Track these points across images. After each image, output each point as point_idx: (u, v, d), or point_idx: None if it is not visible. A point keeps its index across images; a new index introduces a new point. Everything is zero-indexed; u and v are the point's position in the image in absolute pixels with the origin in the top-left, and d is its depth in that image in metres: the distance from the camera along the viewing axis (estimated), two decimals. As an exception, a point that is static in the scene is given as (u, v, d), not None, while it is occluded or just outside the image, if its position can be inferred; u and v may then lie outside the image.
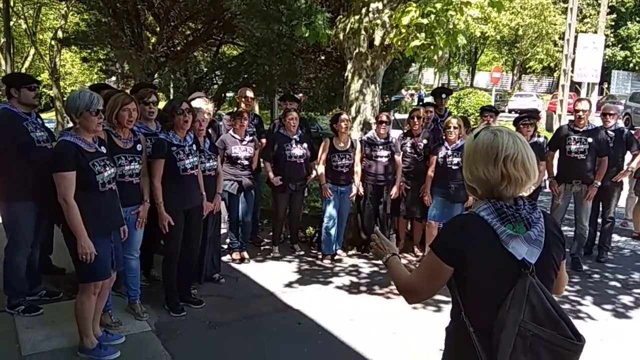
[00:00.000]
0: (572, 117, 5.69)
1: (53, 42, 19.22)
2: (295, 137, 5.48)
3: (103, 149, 3.27)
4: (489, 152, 1.65)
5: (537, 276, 1.58)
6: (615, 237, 6.32)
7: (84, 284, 3.24)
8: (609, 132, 5.69)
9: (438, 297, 4.50)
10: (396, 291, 4.71)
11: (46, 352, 3.40)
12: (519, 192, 1.66)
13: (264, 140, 5.73)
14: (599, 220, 5.98)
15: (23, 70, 20.45)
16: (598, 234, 5.95)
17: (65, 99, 17.72)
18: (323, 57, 8.36)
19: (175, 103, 4.07)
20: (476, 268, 1.62)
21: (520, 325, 1.52)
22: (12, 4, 14.87)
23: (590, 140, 5.36)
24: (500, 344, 1.54)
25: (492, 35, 28.26)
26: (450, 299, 1.76)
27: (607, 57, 28.54)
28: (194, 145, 4.10)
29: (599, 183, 5.41)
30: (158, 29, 9.54)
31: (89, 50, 10.57)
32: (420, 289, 1.76)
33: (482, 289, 1.62)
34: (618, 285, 5.09)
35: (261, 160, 5.58)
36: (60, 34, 17.57)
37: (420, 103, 21.09)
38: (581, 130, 5.43)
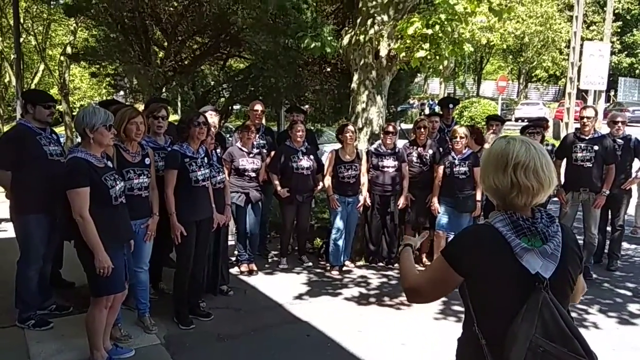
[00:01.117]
0: (579, 126, 5.68)
1: (62, 58, 19.49)
2: (302, 148, 5.51)
3: (110, 164, 3.32)
4: (500, 160, 1.64)
5: (551, 291, 1.55)
6: (625, 245, 6.27)
7: (97, 298, 3.26)
8: (617, 140, 5.67)
9: (450, 307, 4.49)
10: (406, 302, 4.72)
11: (57, 366, 3.42)
12: (534, 202, 1.63)
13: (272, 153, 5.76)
14: (609, 229, 5.94)
15: (32, 86, 20.72)
16: (607, 242, 5.91)
17: (74, 114, 17.93)
18: (329, 69, 8.41)
19: (193, 115, 4.17)
20: (489, 280, 1.60)
21: (532, 340, 1.50)
22: (22, 20, 15.11)
23: (596, 147, 5.34)
24: (510, 358, 1.52)
25: (497, 43, 28.27)
26: (461, 310, 1.75)
27: (613, 64, 28.47)
28: (205, 158, 4.15)
29: (607, 192, 5.38)
30: (166, 43, 9.64)
31: (97, 66, 10.68)
32: (424, 292, 1.76)
33: (495, 302, 1.61)
34: (628, 293, 5.04)
35: (268, 172, 5.61)
36: (69, 49, 17.82)
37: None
38: (587, 138, 5.42)
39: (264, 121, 6.39)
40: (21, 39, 13.15)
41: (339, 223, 5.48)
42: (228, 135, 8.31)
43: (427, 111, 24.39)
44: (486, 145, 5.46)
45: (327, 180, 5.52)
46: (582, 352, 1.52)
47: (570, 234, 1.70)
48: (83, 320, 3.36)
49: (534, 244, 1.58)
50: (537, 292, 1.54)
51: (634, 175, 5.81)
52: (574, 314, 4.32)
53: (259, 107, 5.89)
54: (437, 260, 1.72)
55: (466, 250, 1.65)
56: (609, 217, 5.90)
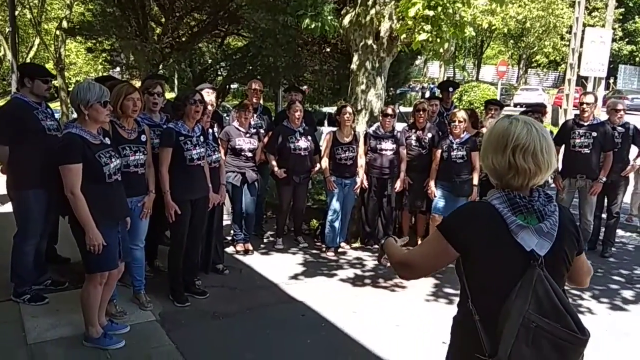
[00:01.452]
0: (577, 112, 5.66)
1: (58, 32, 19.20)
2: (299, 129, 5.47)
3: (107, 141, 3.28)
4: (500, 140, 1.64)
5: (546, 269, 1.57)
6: (619, 232, 6.30)
7: (91, 274, 3.26)
8: (618, 128, 5.65)
9: (444, 289, 4.52)
10: (400, 284, 4.75)
11: (51, 341, 3.43)
12: (530, 184, 1.64)
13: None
14: (603, 216, 5.96)
15: (28, 60, 20.45)
16: (602, 229, 5.94)
17: (70, 89, 17.74)
18: (328, 49, 8.33)
19: (189, 93, 4.10)
20: (484, 256, 1.62)
21: (525, 316, 1.52)
22: (17, -7, 14.87)
23: (594, 134, 5.34)
24: (503, 333, 1.54)
25: (499, 27, 28.06)
26: (454, 293, 1.77)
27: (613, 51, 28.31)
28: (201, 137, 4.11)
29: (604, 179, 5.39)
30: (163, 19, 9.52)
31: (93, 41, 10.56)
32: (416, 264, 1.77)
33: (490, 278, 1.62)
34: (622, 280, 5.08)
35: (265, 152, 5.58)
36: (65, 24, 17.54)
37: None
38: (586, 124, 5.41)
39: (261, 101, 6.34)
40: (16, 12, 12.96)
41: (335, 204, 5.47)
42: (225, 115, 8.25)
43: (427, 94, 24.28)
44: (483, 130, 5.44)
45: (324, 162, 5.50)
46: (574, 328, 1.53)
47: (567, 214, 1.71)
48: (78, 296, 3.36)
49: (530, 221, 1.59)
50: (531, 269, 1.56)
51: (631, 163, 5.82)
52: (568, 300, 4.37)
53: (257, 85, 5.84)
54: (433, 235, 1.73)
55: (463, 225, 1.66)
56: (605, 204, 5.92)
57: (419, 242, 5.84)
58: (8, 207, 4.04)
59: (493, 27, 27.89)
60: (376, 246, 5.76)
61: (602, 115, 6.47)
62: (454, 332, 1.79)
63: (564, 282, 1.68)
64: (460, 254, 1.65)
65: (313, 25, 5.32)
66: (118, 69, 12.32)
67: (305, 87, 9.75)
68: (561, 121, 12.33)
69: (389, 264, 1.92)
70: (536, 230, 1.59)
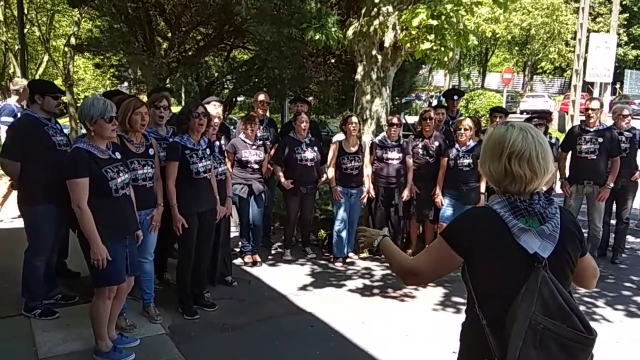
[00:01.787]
0: (584, 118, 5.65)
1: (66, 49, 19.45)
2: (305, 140, 5.50)
3: (117, 155, 3.31)
4: (496, 147, 1.67)
5: (551, 271, 1.58)
6: (629, 238, 6.25)
7: (99, 289, 3.27)
8: (624, 132, 5.63)
9: (452, 298, 4.49)
10: (409, 294, 4.73)
11: (62, 355, 3.44)
12: (527, 189, 1.65)
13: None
14: (613, 222, 5.92)
15: (37, 77, 20.71)
16: (612, 235, 5.89)
17: (78, 105, 17.92)
18: (333, 60, 8.38)
19: (192, 106, 4.13)
20: (487, 260, 1.63)
21: (532, 318, 1.52)
22: (25, 11, 15.09)
23: (601, 140, 5.32)
24: (511, 336, 1.54)
25: (503, 35, 28.11)
26: (463, 302, 1.77)
27: (619, 56, 28.27)
28: (207, 149, 4.14)
29: (612, 184, 5.36)
30: (170, 34, 9.62)
31: (101, 57, 10.68)
32: (422, 272, 1.77)
33: (494, 282, 1.63)
34: (633, 286, 5.03)
35: (271, 163, 5.60)
36: (73, 40, 17.77)
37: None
38: (592, 130, 5.39)
39: (267, 113, 6.38)
40: (25, 30, 13.15)
41: (342, 214, 5.47)
42: (232, 127, 8.30)
43: (434, 103, 24.32)
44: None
45: (330, 172, 5.52)
46: (581, 328, 1.54)
47: (568, 216, 1.72)
48: (88, 310, 3.38)
49: (532, 224, 1.61)
50: (536, 271, 1.57)
51: None
52: (579, 307, 4.33)
53: (263, 97, 5.88)
54: (437, 241, 1.75)
55: (465, 231, 1.67)
56: (613, 210, 5.88)
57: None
58: (18, 223, 4.07)
59: (497, 36, 27.97)
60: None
61: (608, 120, 6.44)
62: (463, 338, 1.80)
63: (569, 284, 1.69)
64: (463, 259, 1.67)
65: (317, 37, 5.38)
66: (126, 83, 12.45)
67: (310, 98, 9.79)
68: (568, 127, 12.30)
69: (362, 255, 1.93)
70: (538, 233, 1.60)
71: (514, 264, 1.60)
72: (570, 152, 5.54)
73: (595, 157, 5.34)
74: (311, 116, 7.12)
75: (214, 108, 4.74)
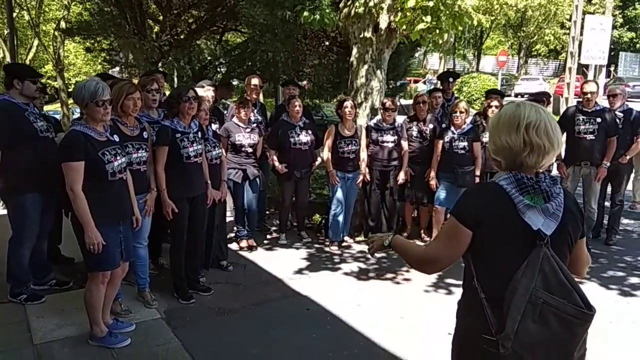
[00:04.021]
0: (580, 100, 5.63)
1: (56, 33, 19.18)
2: (299, 123, 5.46)
3: (115, 138, 3.27)
4: (512, 121, 1.68)
5: (551, 248, 1.60)
6: (623, 220, 6.28)
7: (93, 273, 3.26)
8: (617, 113, 5.63)
9: (447, 280, 4.51)
10: (404, 276, 4.75)
11: (57, 341, 3.43)
12: (543, 161, 1.67)
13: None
14: (607, 204, 5.94)
15: (27, 62, 20.45)
16: (606, 216, 5.92)
17: (70, 90, 17.75)
18: (327, 43, 8.31)
19: (181, 90, 4.06)
20: (491, 234, 1.64)
21: (532, 292, 1.54)
22: (14, -5, 14.85)
23: (599, 120, 5.33)
24: (510, 310, 1.56)
25: (486, 25, 27.86)
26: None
27: (613, 38, 28.20)
28: (199, 133, 4.09)
29: (608, 164, 5.38)
30: (161, 17, 9.49)
31: (92, 40, 10.54)
32: (440, 257, 1.76)
33: (496, 256, 1.65)
34: (626, 267, 5.07)
35: (266, 148, 5.56)
36: (63, 24, 17.51)
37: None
38: (589, 110, 5.39)
39: (261, 97, 6.31)
40: (14, 14, 12.95)
41: (338, 198, 5.46)
42: (225, 112, 8.24)
43: (427, 87, 24.22)
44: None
45: (327, 155, 5.49)
46: (580, 304, 1.56)
47: (570, 196, 1.75)
48: (82, 296, 3.36)
49: (537, 201, 1.63)
50: (538, 247, 1.59)
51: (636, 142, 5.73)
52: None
53: (256, 81, 5.81)
54: (447, 223, 1.76)
55: (472, 205, 1.69)
56: (608, 192, 5.90)
57: (422, 234, 5.84)
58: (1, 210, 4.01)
59: (482, 24, 27.73)
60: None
61: (603, 102, 6.43)
62: (460, 315, 1.81)
63: (566, 264, 1.70)
64: (472, 233, 1.67)
65: (312, 18, 5.30)
66: (117, 68, 12.30)
67: (304, 82, 9.71)
68: (562, 110, 12.30)
69: (358, 238, 1.93)
70: (542, 210, 1.62)
71: (517, 239, 1.62)
72: (566, 134, 5.53)
73: (593, 137, 5.36)
74: (305, 100, 7.06)
75: (207, 91, 4.69)
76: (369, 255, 5.30)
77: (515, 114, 1.68)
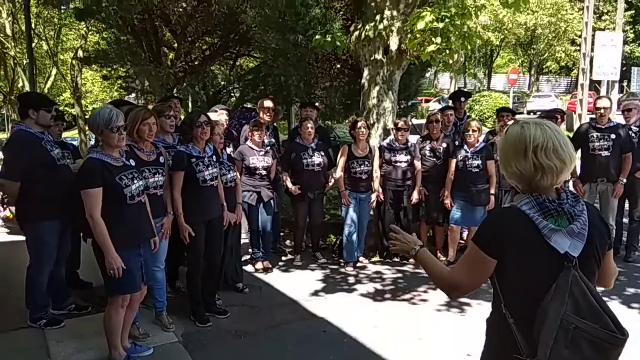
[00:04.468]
0: (593, 116, 5.62)
1: (74, 62, 19.66)
2: (312, 145, 5.51)
3: (132, 162, 3.34)
4: (518, 145, 1.65)
5: (579, 269, 1.57)
6: (642, 236, 6.17)
7: (113, 297, 3.29)
8: (632, 127, 5.61)
9: (462, 300, 4.46)
10: (421, 297, 4.70)
11: (77, 365, 3.46)
12: (559, 180, 1.64)
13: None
14: (625, 220, 5.87)
15: (45, 90, 20.94)
16: (624, 233, 5.84)
17: (87, 117, 18.09)
18: (338, 65, 8.40)
19: (194, 116, 4.14)
20: (516, 260, 1.61)
21: (563, 317, 1.51)
22: (33, 26, 15.28)
23: (613, 136, 5.31)
24: (541, 336, 1.52)
25: (495, 42, 28.00)
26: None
27: (625, 53, 28.09)
28: (213, 157, 4.16)
29: (625, 180, 5.34)
30: (176, 44, 9.70)
31: (109, 68, 10.79)
32: (462, 283, 1.75)
33: (523, 282, 1.62)
34: (648, 285, 4.98)
35: (279, 169, 5.61)
36: (80, 53, 17.97)
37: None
38: (603, 127, 5.38)
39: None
40: (33, 44, 13.31)
41: (351, 219, 5.47)
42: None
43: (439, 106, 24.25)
44: (497, 139, 5.43)
45: (339, 175, 5.51)
46: (613, 328, 1.52)
47: (594, 211, 1.71)
48: (102, 320, 3.39)
49: (561, 224, 1.59)
50: (566, 271, 1.56)
51: None
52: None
53: (269, 104, 5.88)
54: (470, 250, 1.72)
55: (495, 232, 1.66)
56: (625, 208, 5.83)
57: (438, 254, 5.80)
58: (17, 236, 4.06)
59: (492, 42, 27.79)
60: (395, 259, 5.72)
61: (617, 118, 6.40)
62: (490, 333, 1.79)
63: (595, 280, 1.67)
64: (497, 261, 1.64)
65: (323, 42, 5.39)
66: (133, 94, 12.56)
67: (317, 103, 9.80)
68: (576, 126, 12.24)
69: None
70: (568, 232, 1.58)
71: (544, 264, 1.58)
72: (580, 151, 5.50)
73: (609, 154, 5.33)
74: (318, 121, 7.12)
75: (220, 115, 4.77)
76: (384, 276, 5.32)
77: (521, 137, 1.64)
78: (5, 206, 7.00)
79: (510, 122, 5.44)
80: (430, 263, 1.87)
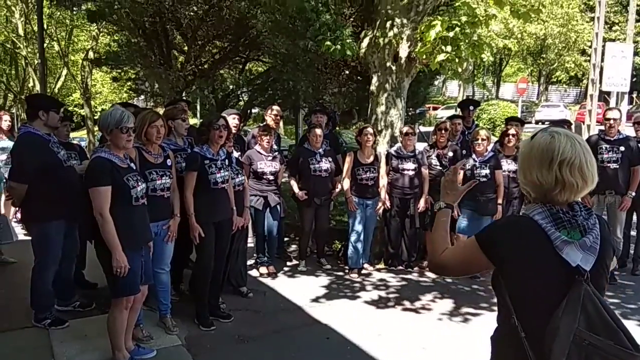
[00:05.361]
0: (602, 127, 5.59)
1: (84, 63, 19.84)
2: (319, 151, 5.51)
3: (133, 165, 3.36)
4: (544, 155, 1.60)
5: (591, 283, 1.53)
6: (650, 249, 6.11)
7: (117, 299, 3.30)
8: (642, 140, 5.57)
9: (469, 309, 4.44)
10: (425, 305, 4.68)
11: (80, 365, 3.46)
12: (573, 199, 1.61)
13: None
14: (633, 233, 5.82)
15: (56, 91, 21.13)
16: (632, 246, 5.80)
17: (96, 117, 18.23)
18: (347, 72, 8.42)
19: (213, 118, 4.20)
20: (527, 271, 1.58)
21: (576, 333, 1.47)
22: (45, 26, 15.43)
23: (622, 148, 5.28)
24: (553, 352, 1.48)
25: (514, 49, 27.97)
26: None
27: (636, 65, 27.95)
28: (226, 160, 4.18)
29: (633, 193, 5.30)
30: (186, 48, 9.78)
31: (119, 70, 10.88)
32: (449, 267, 1.78)
33: (534, 294, 1.58)
34: (655, 299, 4.93)
35: (286, 175, 5.62)
36: (91, 54, 18.14)
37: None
38: (612, 139, 5.35)
39: (281, 124, 6.40)
40: (45, 45, 13.45)
41: (357, 225, 5.46)
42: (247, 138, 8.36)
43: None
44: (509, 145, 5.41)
45: (345, 182, 5.51)
46: (628, 345, 1.48)
47: (605, 226, 1.67)
48: (105, 321, 3.39)
49: (574, 236, 1.55)
50: (578, 284, 1.51)
51: None
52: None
53: (276, 110, 5.90)
54: (470, 242, 1.69)
55: (501, 240, 1.62)
56: (633, 220, 5.79)
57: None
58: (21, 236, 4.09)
59: (508, 49, 27.79)
60: (400, 267, 5.70)
61: (627, 130, 6.36)
62: (498, 347, 1.73)
63: (604, 294, 1.63)
64: (495, 266, 1.63)
65: (333, 48, 5.40)
66: (142, 96, 12.63)
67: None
68: (584, 137, 12.17)
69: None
70: (580, 245, 1.55)
71: (555, 276, 1.55)
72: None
73: (617, 166, 5.30)
74: (329, 127, 7.12)
75: (233, 120, 4.79)
76: (389, 284, 5.30)
77: (549, 147, 1.59)
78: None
79: (512, 132, 5.46)
80: (438, 231, 1.88)
